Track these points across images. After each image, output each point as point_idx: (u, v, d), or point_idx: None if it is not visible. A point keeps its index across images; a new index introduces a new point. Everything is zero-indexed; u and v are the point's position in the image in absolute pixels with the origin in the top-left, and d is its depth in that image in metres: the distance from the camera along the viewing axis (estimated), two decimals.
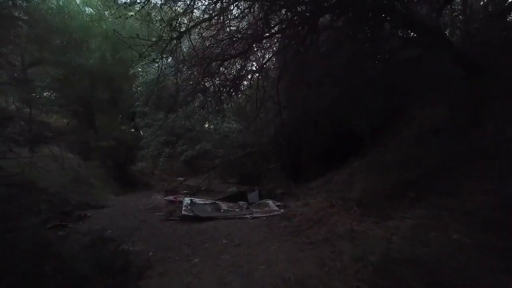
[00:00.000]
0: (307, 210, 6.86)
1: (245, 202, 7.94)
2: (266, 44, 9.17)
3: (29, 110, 12.12)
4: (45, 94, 13.27)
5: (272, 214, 7.01)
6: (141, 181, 14.79)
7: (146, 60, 5.43)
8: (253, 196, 8.77)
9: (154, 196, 10.76)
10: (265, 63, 9.17)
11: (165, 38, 5.20)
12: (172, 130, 12.19)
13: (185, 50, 8.52)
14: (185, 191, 11.34)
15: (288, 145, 10.45)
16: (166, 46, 5.42)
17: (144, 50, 5.35)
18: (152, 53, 6.33)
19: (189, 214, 6.68)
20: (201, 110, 10.85)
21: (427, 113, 7.82)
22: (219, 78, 9.12)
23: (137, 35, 4.51)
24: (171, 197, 8.98)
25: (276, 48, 9.48)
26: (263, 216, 6.81)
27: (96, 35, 12.82)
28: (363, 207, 6.11)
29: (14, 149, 9.55)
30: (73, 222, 5.92)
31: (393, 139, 8.51)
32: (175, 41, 5.74)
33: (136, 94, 12.17)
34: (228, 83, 10.45)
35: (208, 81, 9.14)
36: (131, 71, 11.48)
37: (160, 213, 7.35)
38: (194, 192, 11.52)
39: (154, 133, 11.97)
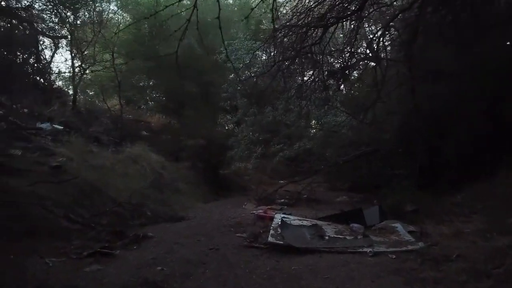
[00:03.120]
0: (465, 246, 4.38)
1: (360, 226, 5.68)
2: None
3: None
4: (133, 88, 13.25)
5: (404, 248, 4.69)
6: (237, 184, 13.72)
7: None
8: (371, 214, 6.45)
9: (245, 205, 9.33)
10: (389, 24, 6.77)
11: None
12: (266, 126, 10.53)
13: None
14: (282, 200, 9.61)
15: (422, 140, 7.76)
16: None
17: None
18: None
19: (277, 242, 4.84)
20: (300, 100, 9.04)
21: None
22: (323, 54, 7.11)
23: None
24: (261, 210, 7.32)
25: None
26: (391, 253, 4.54)
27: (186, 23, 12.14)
28: None
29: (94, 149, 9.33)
30: (124, 246, 4.68)
31: None
32: None
33: (225, 84, 10.94)
34: (336, 69, 8.56)
35: (306, 58, 7.23)
36: (219, 57, 10.22)
37: (243, 235, 5.72)
38: (293, 201, 9.70)
39: (246, 129, 10.48)
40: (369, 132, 9.35)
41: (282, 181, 12.11)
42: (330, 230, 5.54)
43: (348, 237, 5.24)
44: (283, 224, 5.57)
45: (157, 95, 14.04)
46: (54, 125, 9.52)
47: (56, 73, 11.78)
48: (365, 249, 4.67)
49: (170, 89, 12.62)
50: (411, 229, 5.66)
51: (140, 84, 13.77)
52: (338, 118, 9.94)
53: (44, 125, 9.33)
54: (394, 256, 4.41)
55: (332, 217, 6.38)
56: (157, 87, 13.16)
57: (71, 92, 12.39)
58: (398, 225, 5.75)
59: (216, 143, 11.94)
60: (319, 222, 5.96)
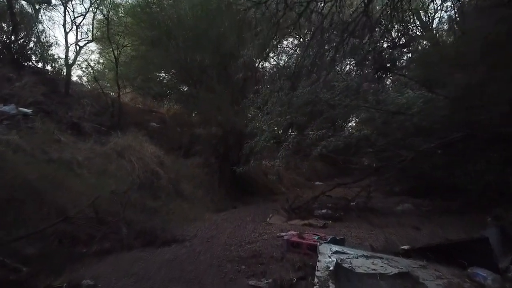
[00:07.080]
0: None
1: (493, 274, 2.94)
2: None
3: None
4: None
5: None
6: (263, 186, 11.23)
7: None
8: (492, 240, 3.59)
9: (270, 218, 6.79)
10: None
11: None
12: (301, 106, 7.67)
13: None
14: (322, 211, 6.95)
15: None
16: None
17: None
18: None
19: None
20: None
21: None
22: None
23: None
24: (293, 232, 4.69)
25: None
26: None
27: None
28: None
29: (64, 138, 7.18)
30: None
31: None
32: None
33: (245, 50, 8.30)
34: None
35: None
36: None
37: (260, 283, 3.21)
38: (340, 212, 7.02)
39: (272, 110, 7.64)
40: (451, 111, 6.48)
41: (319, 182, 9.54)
42: (432, 283, 2.83)
43: None
44: (340, 269, 2.89)
45: (165, 72, 11.81)
46: (20, 108, 7.55)
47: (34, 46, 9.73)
48: None
49: (180, 63, 10.28)
50: None
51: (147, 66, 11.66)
52: (405, 94, 7.06)
53: (6, 108, 7.42)
54: None
55: (424, 251, 3.57)
56: (165, 62, 10.86)
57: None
58: None
59: (235, 133, 9.47)
60: (405, 263, 3.22)
